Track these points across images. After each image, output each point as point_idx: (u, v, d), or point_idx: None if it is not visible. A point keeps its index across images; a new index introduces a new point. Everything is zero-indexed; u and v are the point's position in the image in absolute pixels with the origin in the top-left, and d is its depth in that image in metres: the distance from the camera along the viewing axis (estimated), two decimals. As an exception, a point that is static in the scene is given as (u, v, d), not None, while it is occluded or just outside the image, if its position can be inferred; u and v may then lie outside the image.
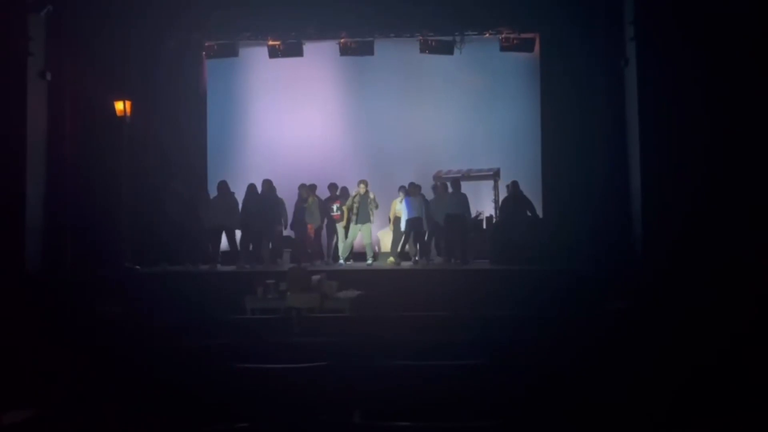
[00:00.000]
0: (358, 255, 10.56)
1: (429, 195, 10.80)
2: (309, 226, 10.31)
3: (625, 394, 3.32)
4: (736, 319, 5.07)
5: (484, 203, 11.53)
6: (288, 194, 10.60)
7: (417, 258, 10.23)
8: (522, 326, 5.03)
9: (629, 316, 6.12)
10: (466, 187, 10.49)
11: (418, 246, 10.30)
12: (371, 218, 10.13)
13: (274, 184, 10.31)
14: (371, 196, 10.19)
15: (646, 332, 5.02)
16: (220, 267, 9.86)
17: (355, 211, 10.08)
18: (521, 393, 3.29)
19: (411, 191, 10.22)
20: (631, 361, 3.80)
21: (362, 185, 10.20)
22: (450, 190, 10.26)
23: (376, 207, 10.23)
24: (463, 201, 9.97)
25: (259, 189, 10.20)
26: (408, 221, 10.07)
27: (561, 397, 3.29)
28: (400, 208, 10.35)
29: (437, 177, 11.45)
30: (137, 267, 9.64)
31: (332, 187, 10.69)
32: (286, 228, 10.37)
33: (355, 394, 3.19)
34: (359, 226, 10.12)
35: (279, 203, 10.19)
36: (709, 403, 3.29)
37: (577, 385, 3.37)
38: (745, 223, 8.08)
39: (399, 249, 10.24)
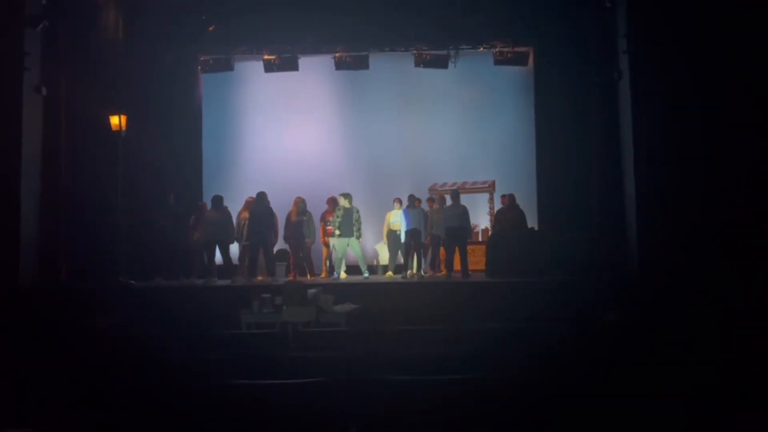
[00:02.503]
0: (354, 269, 10.54)
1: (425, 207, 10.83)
2: (306, 240, 10.27)
3: (620, 406, 3.32)
4: (731, 330, 5.08)
5: (479, 216, 11.55)
6: (284, 208, 10.56)
7: (415, 270, 10.21)
8: (518, 339, 5.02)
9: (624, 327, 6.12)
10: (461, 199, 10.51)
11: (416, 258, 10.29)
12: (355, 233, 9.92)
13: (270, 197, 10.31)
14: (355, 210, 10.04)
15: (641, 344, 5.02)
16: (215, 281, 9.83)
17: (338, 225, 9.98)
18: (518, 406, 3.28)
19: (410, 203, 10.21)
20: (626, 373, 3.80)
21: (345, 199, 10.07)
22: (449, 202, 10.25)
23: (359, 221, 10.03)
24: (463, 214, 9.97)
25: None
26: (407, 233, 10.06)
27: (557, 409, 3.29)
28: (395, 220, 10.33)
29: (433, 190, 11.47)
30: (132, 281, 9.60)
31: (331, 201, 10.66)
32: (276, 241, 10.33)
33: (352, 410, 3.18)
34: (346, 240, 10.00)
35: (270, 215, 10.15)
36: (703, 414, 3.29)
37: (573, 397, 3.36)
38: (740, 234, 8.12)
39: (403, 262, 10.20)
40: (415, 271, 10.19)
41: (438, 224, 10.11)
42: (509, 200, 10.43)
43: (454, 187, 11.00)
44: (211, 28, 10.95)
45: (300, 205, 10.27)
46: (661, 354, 4.38)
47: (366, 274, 10.14)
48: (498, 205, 11.19)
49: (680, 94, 8.72)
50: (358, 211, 10.10)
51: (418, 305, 7.88)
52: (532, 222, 11.07)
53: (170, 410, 3.32)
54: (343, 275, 10.17)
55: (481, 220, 11.62)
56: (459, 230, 9.87)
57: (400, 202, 10.38)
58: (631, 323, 6.26)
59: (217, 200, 9.99)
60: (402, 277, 9.93)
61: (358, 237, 10.04)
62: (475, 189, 11.60)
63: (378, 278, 10.28)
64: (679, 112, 8.77)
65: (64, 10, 9.72)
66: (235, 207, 10.44)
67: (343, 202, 10.06)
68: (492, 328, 5.30)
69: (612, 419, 3.31)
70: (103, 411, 3.39)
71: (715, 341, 4.71)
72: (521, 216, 10.36)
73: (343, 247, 10.08)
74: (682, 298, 7.30)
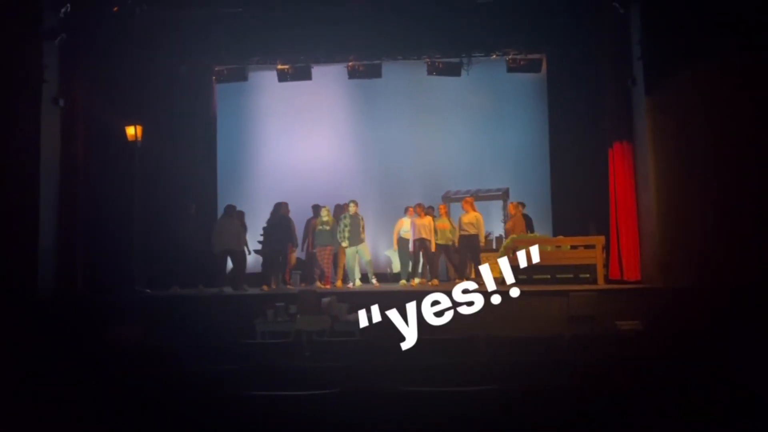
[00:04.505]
0: (364, 276, 10.54)
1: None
2: (329, 248, 10.25)
3: (638, 416, 3.29)
4: (750, 338, 5.01)
5: (493, 224, 11.51)
6: (297, 216, 10.60)
7: (426, 279, 10.19)
8: (533, 348, 4.99)
9: (643, 335, 6.06)
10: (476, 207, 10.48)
11: (428, 267, 10.27)
12: (362, 238, 10.08)
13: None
14: (360, 218, 10.18)
15: (658, 352, 4.97)
16: (226, 290, 9.88)
17: (347, 234, 10.03)
18: (535, 418, 3.25)
19: (417, 212, 10.22)
20: (645, 383, 3.76)
21: (353, 205, 10.17)
22: (463, 211, 10.25)
23: (362, 228, 10.16)
24: (477, 222, 9.96)
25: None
26: (415, 242, 10.07)
27: (574, 420, 3.26)
28: (406, 229, 10.35)
29: (446, 197, 11.46)
30: (148, 290, 9.68)
31: (338, 208, 10.69)
32: (295, 250, 10.35)
33: (367, 422, 3.17)
34: (355, 248, 10.09)
35: (286, 225, 10.20)
36: (719, 425, 3.25)
37: (589, 407, 3.33)
38: (761, 242, 8.00)
39: (410, 270, 10.22)
40: (423, 279, 10.16)
41: (443, 233, 10.11)
42: (522, 208, 10.44)
43: (467, 195, 10.98)
44: None
45: (326, 212, 10.34)
46: (680, 363, 4.33)
47: (373, 280, 10.12)
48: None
49: (696, 99, 8.64)
50: (362, 218, 10.24)
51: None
52: (546, 229, 11.04)
53: (185, 421, 3.33)
54: (358, 283, 10.18)
55: (495, 227, 11.57)
56: (472, 238, 9.86)
57: (414, 210, 10.39)
58: (649, 332, 6.20)
59: (229, 209, 10.09)
60: (410, 286, 9.94)
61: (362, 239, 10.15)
62: (488, 196, 11.56)
63: (391, 286, 10.24)
64: (694, 118, 8.68)
65: (82, 23, 9.86)
66: (249, 215, 10.50)
67: (353, 209, 10.11)
68: (507, 336, 5.26)
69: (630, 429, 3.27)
70: (118, 421, 3.40)
71: (735, 351, 4.65)
72: (528, 223, 10.39)
73: (352, 255, 10.10)
74: (701, 307, 7.21)
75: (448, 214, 10.34)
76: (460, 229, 10.01)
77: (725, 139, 8.42)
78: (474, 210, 10.15)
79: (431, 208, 10.68)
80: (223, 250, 9.89)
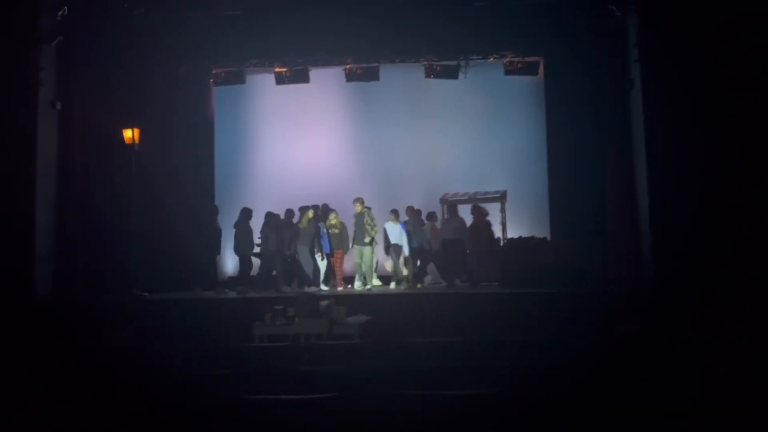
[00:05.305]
0: (387, 278, 10.53)
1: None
2: (339, 251, 10.17)
3: (638, 418, 3.29)
4: (747, 341, 5.02)
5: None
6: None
7: (408, 282, 10.17)
8: (533, 351, 4.99)
9: (641, 339, 6.06)
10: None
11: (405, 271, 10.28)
12: (368, 239, 9.93)
13: (282, 208, 10.38)
14: (367, 215, 10.01)
15: (657, 355, 4.98)
16: (230, 293, 9.89)
17: (352, 234, 10.00)
18: (533, 421, 3.25)
19: (391, 217, 10.20)
20: (642, 384, 3.77)
21: (358, 204, 10.07)
22: (445, 215, 10.29)
23: (373, 227, 10.00)
24: (460, 226, 9.97)
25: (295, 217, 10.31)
26: (392, 246, 10.08)
27: (576, 423, 3.26)
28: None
29: (444, 200, 11.47)
30: (145, 294, 9.66)
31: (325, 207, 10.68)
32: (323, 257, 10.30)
33: (365, 425, 3.16)
34: (360, 248, 9.98)
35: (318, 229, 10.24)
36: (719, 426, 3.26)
37: (593, 410, 3.33)
38: (758, 243, 8.03)
39: (394, 273, 10.24)
40: (409, 282, 10.14)
41: (419, 237, 10.16)
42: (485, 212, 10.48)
43: (465, 197, 11.00)
44: None
45: (335, 215, 10.33)
46: (678, 364, 4.34)
47: (363, 285, 10.01)
48: (509, 215, 11.17)
49: (693, 102, 8.66)
50: (369, 214, 10.05)
51: (430, 316, 7.85)
52: (544, 231, 11.04)
53: (184, 424, 3.32)
54: (376, 282, 10.12)
55: (493, 230, 11.55)
56: (455, 242, 9.88)
57: (419, 212, 10.43)
58: (647, 334, 6.20)
59: (246, 212, 10.23)
60: (403, 290, 9.94)
61: (370, 242, 9.99)
62: (486, 198, 11.55)
63: (390, 289, 10.21)
64: (691, 120, 8.71)
65: (79, 25, 9.86)
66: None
67: (358, 208, 10.05)
68: (506, 339, 5.26)
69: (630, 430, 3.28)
70: (117, 423, 3.40)
71: (731, 351, 4.66)
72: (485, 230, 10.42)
73: (358, 256, 10.04)
74: (699, 308, 7.22)
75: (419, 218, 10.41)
76: (443, 233, 10.04)
77: (722, 141, 8.45)
78: (458, 215, 10.18)
79: (419, 211, 10.69)
80: (244, 253, 9.97)
